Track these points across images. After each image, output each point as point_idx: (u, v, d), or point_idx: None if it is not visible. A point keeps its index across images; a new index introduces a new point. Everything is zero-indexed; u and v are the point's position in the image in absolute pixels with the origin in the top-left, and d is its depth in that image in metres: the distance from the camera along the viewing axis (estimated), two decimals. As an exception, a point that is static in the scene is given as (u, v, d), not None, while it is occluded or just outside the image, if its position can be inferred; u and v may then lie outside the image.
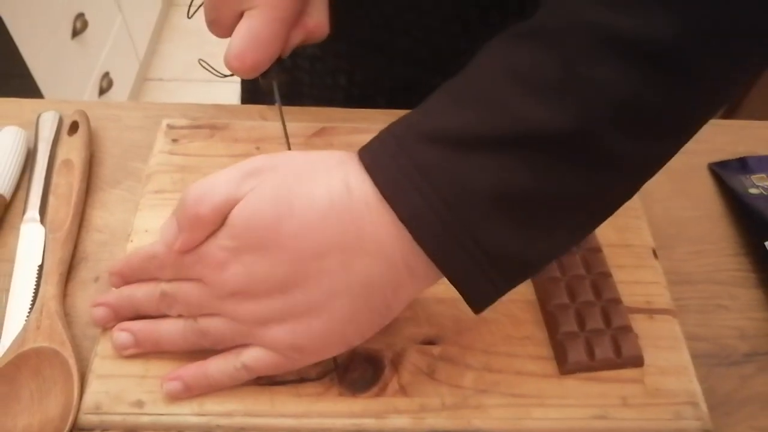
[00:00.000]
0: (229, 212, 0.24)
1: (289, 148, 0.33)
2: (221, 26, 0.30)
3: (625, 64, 0.20)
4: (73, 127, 0.36)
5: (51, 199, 0.33)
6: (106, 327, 0.28)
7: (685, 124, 0.23)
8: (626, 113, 0.21)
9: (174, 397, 0.26)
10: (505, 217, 0.21)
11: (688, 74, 0.21)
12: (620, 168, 0.22)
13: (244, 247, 0.24)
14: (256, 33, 0.29)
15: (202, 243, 0.25)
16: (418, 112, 0.23)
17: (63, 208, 0.33)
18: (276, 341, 0.25)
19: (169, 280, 0.26)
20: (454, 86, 0.23)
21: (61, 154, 0.35)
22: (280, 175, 0.24)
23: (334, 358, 0.27)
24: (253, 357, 0.25)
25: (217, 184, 0.24)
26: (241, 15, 0.29)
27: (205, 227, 0.24)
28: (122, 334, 0.27)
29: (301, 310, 0.24)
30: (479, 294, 0.23)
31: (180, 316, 0.26)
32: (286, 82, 0.34)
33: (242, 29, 0.29)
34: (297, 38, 0.31)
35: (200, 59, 0.33)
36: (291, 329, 0.24)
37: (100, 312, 0.28)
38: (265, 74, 0.31)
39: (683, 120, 0.23)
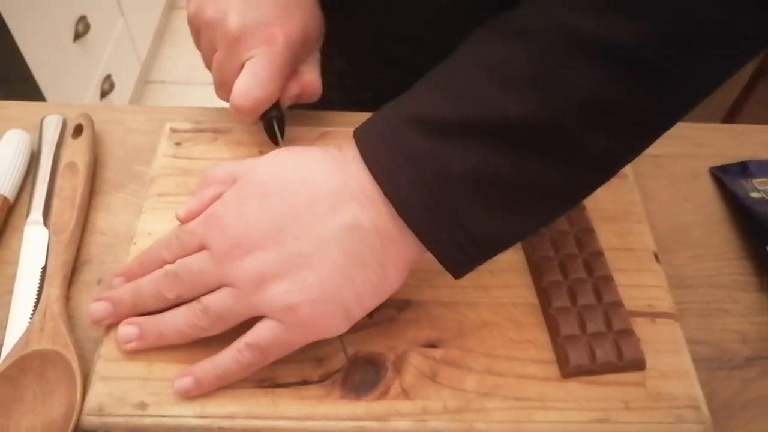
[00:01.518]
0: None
1: None
2: (228, 85, 0.33)
3: (592, 64, 0.22)
4: (78, 130, 0.36)
5: (55, 201, 0.33)
6: (103, 323, 0.28)
7: (649, 122, 0.25)
8: (592, 110, 0.23)
9: (185, 395, 0.26)
10: (480, 198, 0.24)
11: (650, 76, 0.23)
12: (587, 160, 0.24)
13: (244, 197, 0.26)
14: (256, 74, 0.31)
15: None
16: (407, 97, 0.26)
17: (67, 211, 0.33)
18: (273, 301, 0.25)
19: (174, 261, 0.27)
20: (439, 75, 0.25)
21: (66, 157, 0.35)
22: (281, 150, 0.28)
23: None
24: (254, 333, 0.26)
25: (224, 165, 0.29)
26: (242, 68, 0.32)
27: (215, 186, 0.28)
28: (128, 327, 0.27)
29: (295, 261, 0.25)
30: (457, 265, 0.25)
31: (178, 305, 0.27)
32: (284, 121, 0.36)
33: (245, 73, 0.32)
34: (294, 90, 0.34)
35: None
36: (287, 287, 0.25)
37: (99, 307, 0.28)
38: (265, 114, 0.33)
39: (647, 119, 0.24)
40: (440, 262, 0.25)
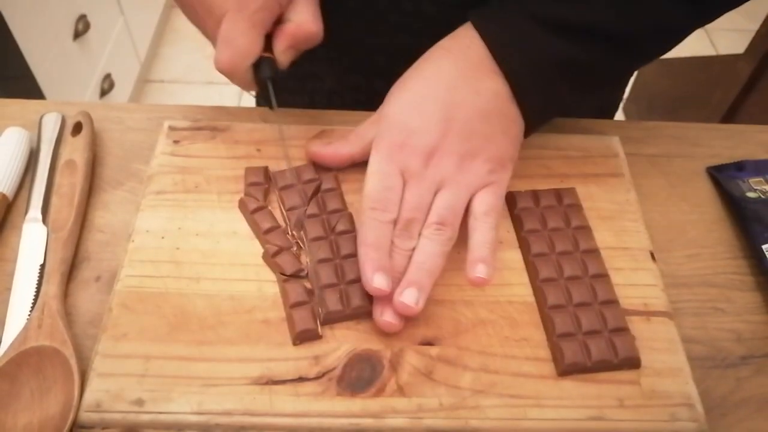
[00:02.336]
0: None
1: (287, 153, 0.34)
2: (213, 41, 0.32)
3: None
4: (77, 128, 0.36)
5: (54, 199, 0.33)
6: (383, 291, 0.28)
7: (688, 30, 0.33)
8: (663, 30, 0.32)
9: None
10: (565, 77, 0.32)
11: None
12: (640, 60, 0.34)
13: (404, 116, 0.32)
14: (222, 36, 0.31)
15: (376, 157, 0.32)
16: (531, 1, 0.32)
17: (65, 208, 0.33)
18: (480, 170, 0.31)
19: (394, 219, 0.30)
20: None
21: (64, 155, 0.35)
22: (405, 78, 0.34)
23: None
24: (486, 203, 0.31)
25: (360, 128, 0.35)
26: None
27: (360, 143, 0.34)
28: (408, 291, 0.28)
29: (468, 136, 0.32)
30: (538, 125, 0.34)
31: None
32: (306, 101, 0.36)
33: (219, 35, 0.31)
34: (282, 44, 0.32)
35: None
36: (473, 152, 0.31)
37: (382, 281, 0.28)
38: (256, 74, 0.32)
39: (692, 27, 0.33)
40: (528, 118, 0.33)
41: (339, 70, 0.42)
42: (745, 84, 0.96)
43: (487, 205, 0.31)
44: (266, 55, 0.32)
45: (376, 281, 0.28)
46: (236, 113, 0.39)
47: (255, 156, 0.36)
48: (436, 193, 0.31)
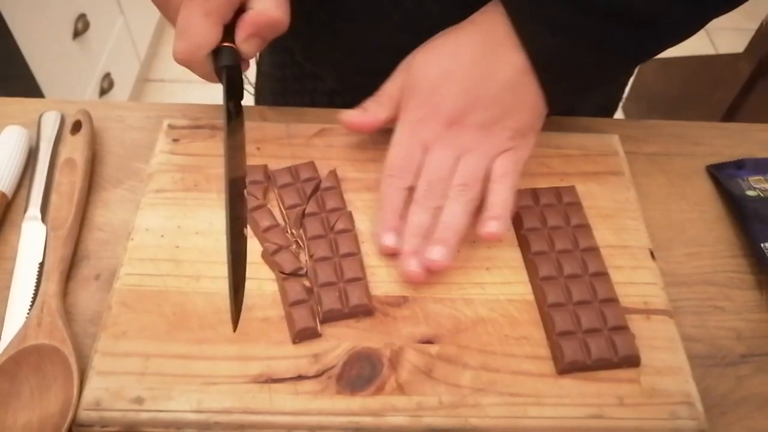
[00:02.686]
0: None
1: (226, 147, 0.31)
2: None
3: None
4: (76, 127, 0.36)
5: (53, 197, 0.33)
6: (392, 249, 0.30)
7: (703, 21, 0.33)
8: (691, 15, 0.32)
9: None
10: (593, 54, 0.32)
11: None
12: (664, 43, 0.33)
13: (427, 91, 0.32)
14: (178, 26, 0.30)
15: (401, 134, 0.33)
16: None
17: (65, 207, 0.33)
18: (502, 134, 0.32)
19: (413, 184, 0.32)
20: None
21: (64, 153, 0.35)
22: (426, 45, 0.34)
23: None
24: (503, 167, 0.32)
25: (384, 87, 0.35)
26: None
27: (389, 106, 0.35)
28: (434, 249, 0.29)
29: (491, 107, 0.33)
30: (558, 102, 0.34)
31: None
32: (306, 101, 0.36)
33: (175, 25, 0.31)
34: (243, 34, 0.31)
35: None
36: (500, 124, 0.32)
37: (389, 238, 0.31)
38: (215, 61, 0.30)
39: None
40: (549, 95, 0.33)
41: (341, 70, 0.42)
42: (745, 83, 0.96)
43: (504, 168, 0.32)
44: (226, 44, 0.30)
45: (386, 240, 0.31)
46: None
47: (254, 154, 0.36)
48: (458, 160, 0.32)
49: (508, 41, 0.32)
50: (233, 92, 0.31)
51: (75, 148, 0.35)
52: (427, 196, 0.31)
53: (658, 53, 0.34)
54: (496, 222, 0.30)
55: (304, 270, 0.30)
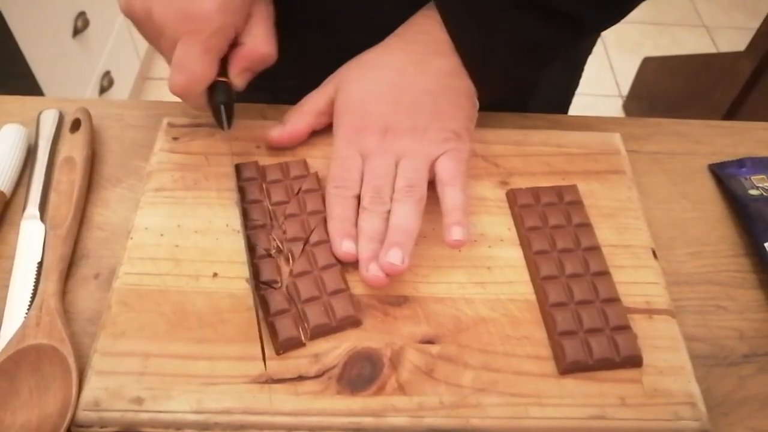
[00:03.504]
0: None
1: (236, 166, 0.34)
2: (167, 58, 0.33)
3: None
4: (75, 125, 0.36)
5: (52, 196, 0.33)
6: (382, 281, 0.29)
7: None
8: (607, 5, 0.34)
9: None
10: (521, 52, 0.34)
11: None
12: (582, 33, 0.35)
13: (362, 101, 0.33)
14: (176, 60, 0.31)
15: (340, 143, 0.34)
16: None
17: (64, 206, 0.33)
18: (437, 137, 0.33)
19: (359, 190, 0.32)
20: None
21: (63, 152, 0.35)
22: (361, 56, 0.36)
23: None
24: (446, 167, 0.32)
25: (313, 94, 0.36)
26: None
27: (313, 116, 0.36)
28: (391, 252, 0.29)
29: (423, 113, 0.33)
30: (488, 93, 0.35)
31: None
32: (270, 97, 0.37)
33: (172, 61, 0.32)
34: (237, 68, 0.33)
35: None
36: (434, 127, 0.33)
37: (347, 246, 0.30)
38: (210, 97, 0.32)
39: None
40: (482, 91, 0.34)
41: (302, 68, 0.42)
42: (747, 81, 0.96)
43: (450, 170, 0.32)
44: (221, 79, 0.32)
45: (345, 246, 0.30)
46: (236, 110, 0.39)
47: (254, 153, 0.35)
48: (397, 165, 0.32)
49: (436, 46, 0.33)
50: (228, 124, 0.34)
51: (74, 147, 0.35)
52: (374, 201, 0.31)
53: (582, 41, 0.37)
54: (459, 228, 0.30)
55: (279, 284, 0.30)
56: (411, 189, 0.31)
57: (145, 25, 0.32)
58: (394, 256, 0.29)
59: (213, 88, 0.32)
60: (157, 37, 0.32)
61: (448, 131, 0.33)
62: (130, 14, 0.32)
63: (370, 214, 0.31)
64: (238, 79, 0.33)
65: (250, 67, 0.33)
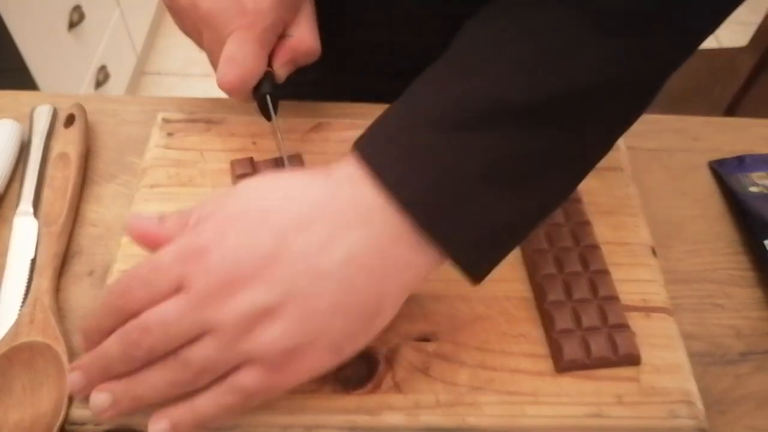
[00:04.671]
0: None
1: (283, 159, 0.33)
2: (210, 53, 0.32)
3: (601, 40, 0.22)
4: (70, 120, 0.36)
5: (46, 192, 0.33)
6: (80, 395, 0.24)
7: (649, 90, 0.25)
8: (600, 88, 0.23)
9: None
10: (497, 187, 0.23)
11: (654, 37, 0.23)
12: (591, 133, 0.25)
13: (226, 226, 0.23)
14: (229, 54, 0.30)
15: (177, 240, 0.24)
16: (409, 99, 0.25)
17: (58, 202, 0.32)
18: (264, 347, 0.22)
19: (137, 312, 0.23)
20: (437, 71, 0.25)
21: (58, 147, 0.35)
22: (266, 175, 0.26)
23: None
24: (241, 376, 0.23)
25: (207, 201, 0.25)
26: None
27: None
28: (98, 395, 0.23)
29: (285, 299, 0.22)
30: (477, 267, 0.24)
31: (152, 363, 0.23)
32: (289, 92, 0.35)
33: (222, 54, 0.31)
34: (282, 59, 0.32)
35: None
36: (277, 329, 0.22)
37: (75, 378, 0.24)
38: (255, 90, 0.32)
39: (648, 85, 0.25)
40: (460, 266, 0.24)
41: (323, 62, 0.42)
42: (747, 77, 0.95)
43: (243, 379, 0.23)
44: (266, 69, 0.32)
45: (73, 378, 0.24)
46: (232, 105, 0.39)
47: (250, 149, 0.35)
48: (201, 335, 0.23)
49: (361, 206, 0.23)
50: (271, 114, 0.32)
51: (69, 142, 0.35)
52: (137, 338, 0.23)
53: (615, 137, 0.25)
54: (165, 421, 0.23)
55: None
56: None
57: (187, 16, 0.32)
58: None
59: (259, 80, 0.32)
60: (199, 29, 0.31)
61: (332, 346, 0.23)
62: (171, 3, 0.32)
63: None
64: (281, 70, 0.32)
65: (295, 59, 0.33)
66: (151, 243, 0.24)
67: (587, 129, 0.24)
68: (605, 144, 0.26)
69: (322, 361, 0.23)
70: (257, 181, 0.25)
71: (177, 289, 0.23)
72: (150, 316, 0.23)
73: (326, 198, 0.23)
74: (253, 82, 0.31)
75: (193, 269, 0.23)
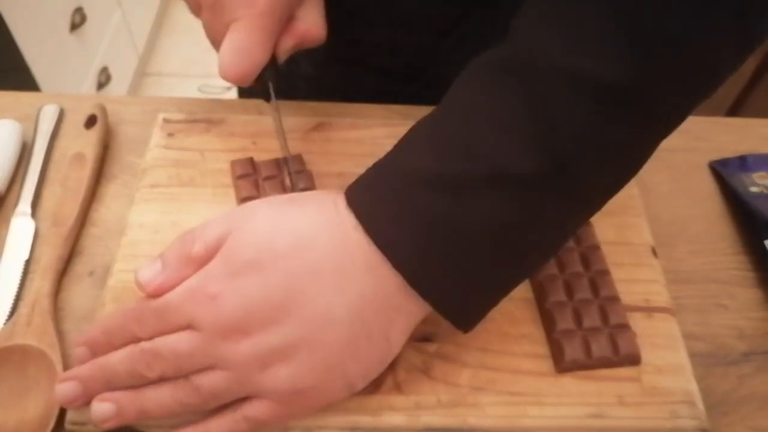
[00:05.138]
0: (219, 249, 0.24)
1: (285, 145, 0.33)
2: (218, 44, 0.31)
3: (590, 105, 0.22)
4: (91, 121, 0.35)
5: (58, 191, 0.33)
6: (73, 406, 0.24)
7: (644, 153, 0.25)
8: (594, 150, 0.23)
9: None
10: (494, 250, 0.23)
11: (647, 110, 0.23)
12: (587, 197, 0.25)
13: (237, 270, 0.23)
14: (237, 44, 0.30)
15: (189, 279, 0.24)
16: (403, 152, 0.25)
17: (69, 203, 0.32)
18: (276, 386, 0.23)
19: (151, 337, 0.24)
20: (435, 125, 0.24)
21: (75, 147, 0.34)
22: (272, 204, 0.26)
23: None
24: (254, 408, 0.24)
25: (210, 225, 0.25)
26: (227, 29, 0.30)
27: (193, 265, 0.25)
28: (103, 404, 0.23)
29: (298, 343, 0.23)
30: (468, 321, 0.25)
31: (162, 380, 0.24)
32: (282, 83, 0.34)
33: (226, 42, 0.30)
34: (288, 43, 0.31)
35: (200, 87, 0.33)
36: (290, 371, 0.23)
37: (68, 388, 0.24)
38: (259, 78, 0.31)
39: (643, 150, 0.25)
40: (450, 320, 0.25)
41: (317, 57, 0.41)
42: (750, 78, 0.95)
43: (255, 411, 0.24)
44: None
45: (65, 388, 0.24)
46: (232, 106, 0.39)
47: (251, 149, 0.35)
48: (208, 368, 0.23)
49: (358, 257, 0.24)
50: (271, 96, 0.32)
51: (87, 143, 0.34)
52: (149, 360, 0.23)
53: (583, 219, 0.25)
54: None
55: None
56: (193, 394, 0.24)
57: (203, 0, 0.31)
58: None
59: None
60: (213, 12, 0.30)
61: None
62: None
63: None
64: (284, 54, 0.32)
65: (301, 44, 0.32)
66: (162, 292, 0.25)
67: (572, 202, 0.24)
68: (597, 207, 0.26)
69: (334, 395, 0.25)
70: (264, 212, 0.25)
71: (187, 326, 0.24)
72: (162, 344, 0.23)
73: (335, 249, 0.24)
74: (258, 71, 0.31)
75: (204, 313, 0.23)
